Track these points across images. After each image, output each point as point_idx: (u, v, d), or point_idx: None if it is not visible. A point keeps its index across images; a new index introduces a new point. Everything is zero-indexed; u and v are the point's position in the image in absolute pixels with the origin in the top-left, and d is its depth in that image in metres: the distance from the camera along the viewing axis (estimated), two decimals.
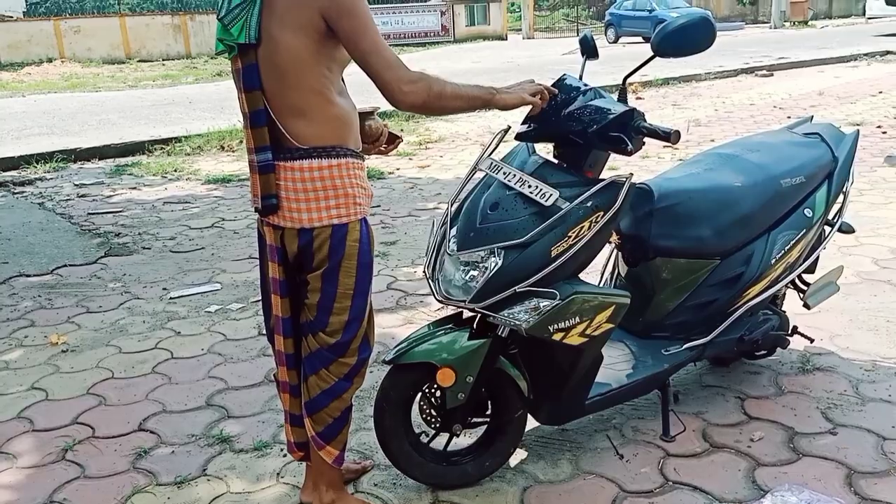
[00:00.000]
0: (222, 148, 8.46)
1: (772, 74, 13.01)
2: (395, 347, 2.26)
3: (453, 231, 2.17)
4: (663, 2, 26.51)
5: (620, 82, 2.18)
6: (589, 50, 2.39)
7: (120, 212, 5.99)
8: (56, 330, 3.71)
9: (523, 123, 2.20)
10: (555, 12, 40.46)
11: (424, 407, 2.32)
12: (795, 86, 11.44)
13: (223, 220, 5.66)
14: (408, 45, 29.16)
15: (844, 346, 3.16)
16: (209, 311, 3.91)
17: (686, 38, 2.01)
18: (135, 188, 6.83)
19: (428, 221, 5.32)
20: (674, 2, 27.06)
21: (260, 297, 3.93)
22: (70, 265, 4.71)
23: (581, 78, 2.29)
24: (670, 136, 1.97)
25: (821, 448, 2.49)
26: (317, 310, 2.08)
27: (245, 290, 4.19)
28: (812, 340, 2.98)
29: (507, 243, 2.03)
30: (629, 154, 2.02)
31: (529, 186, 2.07)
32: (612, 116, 2.02)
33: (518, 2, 34.47)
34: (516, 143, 2.30)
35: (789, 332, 2.87)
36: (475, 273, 2.09)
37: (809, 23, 28.70)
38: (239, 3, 1.91)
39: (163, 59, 27.73)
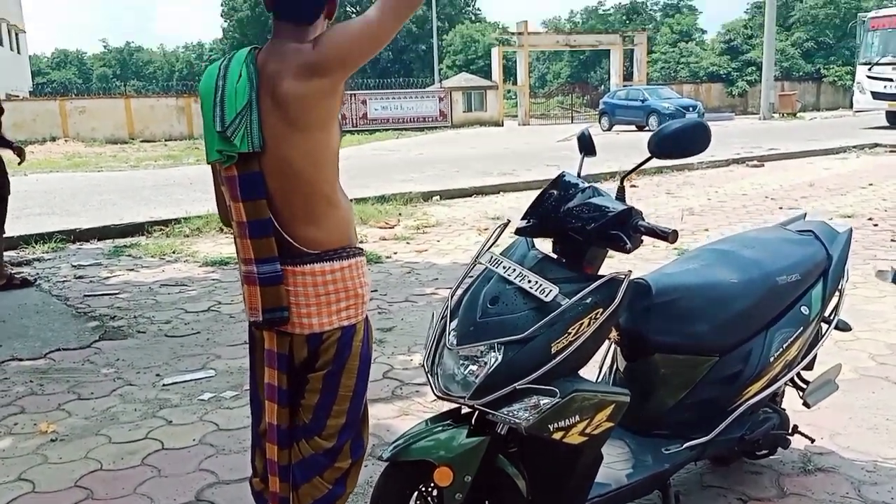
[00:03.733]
0: (221, 230, 8.51)
1: (763, 165, 13.30)
2: (393, 444, 2.22)
3: (453, 324, 2.17)
4: (655, 92, 27.38)
5: (619, 181, 2.23)
6: (587, 147, 2.44)
7: (116, 294, 5.98)
8: (46, 417, 3.65)
9: (523, 219, 2.23)
10: (550, 100, 41.63)
11: None
12: (786, 177, 11.67)
13: (220, 303, 5.65)
14: (407, 129, 29.85)
15: (845, 446, 3.12)
16: (202, 399, 3.85)
17: (682, 142, 2.06)
18: (132, 270, 6.84)
19: (425, 307, 5.32)
20: (665, 92, 27.96)
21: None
22: (63, 349, 4.67)
23: (579, 174, 2.33)
24: (668, 236, 1.99)
25: None
26: (314, 411, 2.03)
27: (240, 376, 4.15)
28: (813, 440, 2.94)
29: (507, 339, 2.02)
30: (628, 252, 2.04)
31: (529, 281, 2.08)
32: (611, 215, 2.05)
33: (514, 89, 35.47)
34: (516, 236, 2.33)
35: (790, 430, 2.84)
36: (475, 368, 2.07)
37: (798, 115, 29.53)
38: (236, 113, 1.87)
39: (165, 140, 28.31)
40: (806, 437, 2.89)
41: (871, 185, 10.47)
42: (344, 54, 1.85)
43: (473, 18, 60.36)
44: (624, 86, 31.71)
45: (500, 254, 2.26)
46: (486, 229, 8.13)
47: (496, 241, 2.31)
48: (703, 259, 2.67)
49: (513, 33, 34.52)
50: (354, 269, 1.99)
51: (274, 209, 1.92)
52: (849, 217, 8.03)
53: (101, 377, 4.19)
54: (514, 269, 2.14)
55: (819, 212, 8.35)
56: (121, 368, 4.33)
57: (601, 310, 2.05)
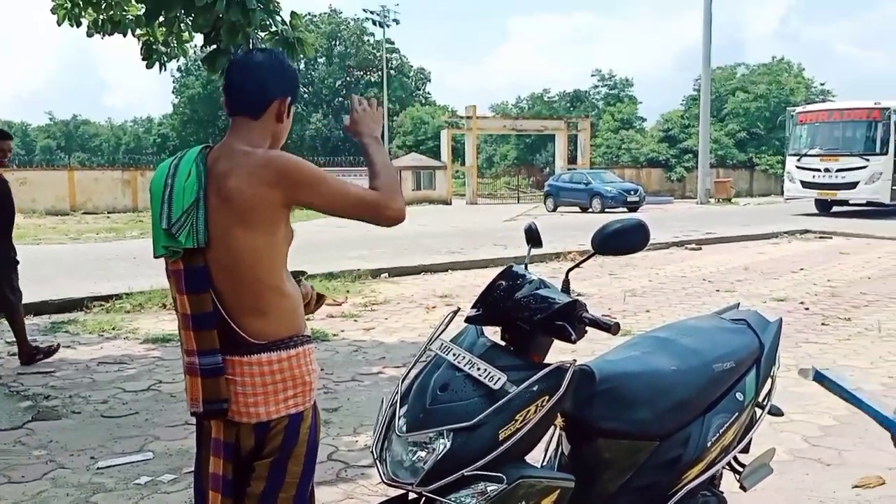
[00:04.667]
0: (164, 306, 8.37)
1: (700, 248, 13.78)
2: None
3: (402, 411, 2.20)
4: (598, 176, 28.30)
5: (564, 275, 2.33)
6: (533, 239, 2.56)
7: (51, 372, 5.80)
8: None
9: (473, 307, 2.31)
10: (497, 180, 42.57)
11: None
12: (723, 260, 12.10)
13: (160, 382, 5.52)
14: None
15: None
16: (138, 483, 3.74)
17: (623, 240, 2.19)
18: (69, 347, 6.64)
19: (372, 386, 5.30)
20: (608, 176, 28.93)
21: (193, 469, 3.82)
22: None
23: (526, 265, 2.44)
24: (611, 328, 2.09)
25: None
26: (259, 499, 2.02)
27: (179, 459, 4.04)
28: None
29: (456, 426, 2.06)
30: (573, 342, 2.12)
31: (478, 369, 2.14)
32: (556, 306, 2.14)
33: (462, 170, 36.25)
34: (465, 324, 2.40)
35: None
36: (423, 454, 2.09)
37: (733, 200, 30.81)
38: (182, 211, 1.92)
39: (108, 212, 27.86)
40: None
41: (802, 269, 10.93)
42: (309, 201, 1.96)
43: (423, 101, 61.93)
44: (568, 169, 32.73)
45: (451, 341, 2.32)
46: (434, 308, 8.19)
47: (446, 328, 2.38)
48: (644, 346, 2.77)
49: (462, 117, 35.57)
50: (302, 357, 2.02)
51: (222, 301, 1.96)
52: (781, 301, 8.35)
53: (32, 459, 4.03)
54: (464, 357, 2.19)
55: (753, 295, 8.68)
56: (53, 450, 4.17)
57: (547, 397, 2.11)
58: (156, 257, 2.02)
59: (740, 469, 2.90)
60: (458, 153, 37.09)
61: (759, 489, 3.21)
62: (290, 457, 2.03)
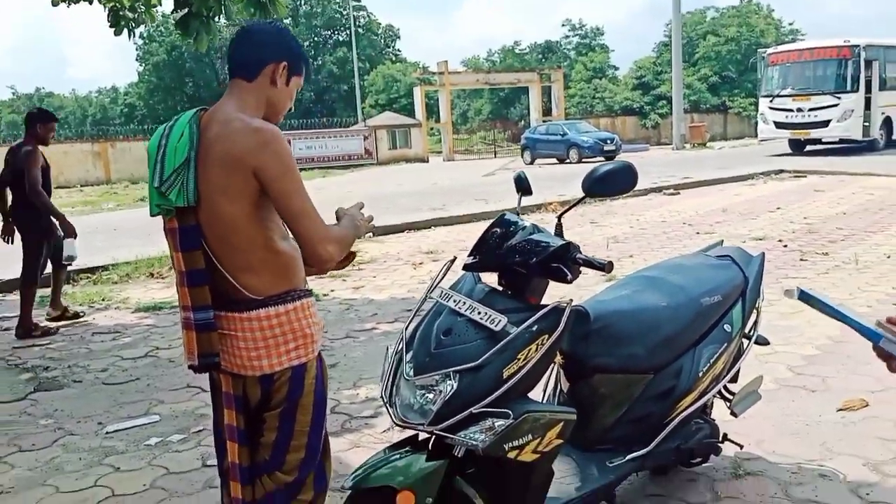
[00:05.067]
0: (151, 275, 8.40)
1: (678, 193, 13.93)
2: (353, 473, 2.31)
3: (408, 357, 2.30)
4: (574, 126, 28.26)
5: (557, 218, 2.42)
6: (523, 188, 2.65)
7: (47, 344, 5.85)
8: None
9: (470, 255, 2.39)
10: (472, 136, 42.34)
11: None
12: (701, 203, 12.27)
13: (157, 349, 5.59)
14: (332, 167, 29.86)
15: (770, 451, 3.37)
16: (149, 445, 3.83)
17: (612, 182, 2.28)
18: None
19: (367, 342, 5.41)
20: (584, 126, 28.91)
21: (202, 428, 3.91)
22: None
23: (517, 212, 2.52)
24: (605, 267, 2.19)
25: None
26: (273, 448, 2.12)
27: (185, 420, 4.14)
28: (742, 446, 3.18)
29: (461, 367, 2.16)
30: (569, 282, 2.23)
31: (479, 313, 2.23)
32: (551, 249, 2.24)
33: (437, 126, 36.06)
34: (462, 272, 2.48)
35: (720, 439, 3.06)
36: (431, 396, 2.20)
37: (707, 144, 30.98)
38: (173, 170, 1.98)
39: (81, 185, 27.46)
40: (735, 443, 3.12)
41: (778, 208, 11.13)
42: (270, 185, 1.96)
43: (394, 59, 61.16)
44: (544, 121, 32.66)
45: (449, 288, 2.41)
46: (420, 264, 8.28)
47: (444, 276, 2.47)
48: (634, 286, 2.88)
49: (434, 73, 35.19)
50: (300, 311, 2.10)
51: (218, 259, 2.04)
52: (760, 240, 8.53)
53: (40, 428, 4.11)
54: (464, 302, 2.29)
55: (733, 235, 8.85)
56: (60, 419, 4.25)
57: (547, 336, 2.22)
58: (152, 216, 2.10)
59: (730, 397, 3.05)
60: (431, 110, 36.84)
61: (748, 416, 3.38)
62: (297, 407, 2.12)
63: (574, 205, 2.35)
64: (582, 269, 2.30)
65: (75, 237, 6.23)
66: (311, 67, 2.31)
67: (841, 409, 3.78)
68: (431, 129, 37.05)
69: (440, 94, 34.87)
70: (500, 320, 2.19)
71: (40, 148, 6.10)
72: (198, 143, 2.00)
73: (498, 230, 2.38)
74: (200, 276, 2.03)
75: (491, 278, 2.43)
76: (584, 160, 25.41)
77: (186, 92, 55.27)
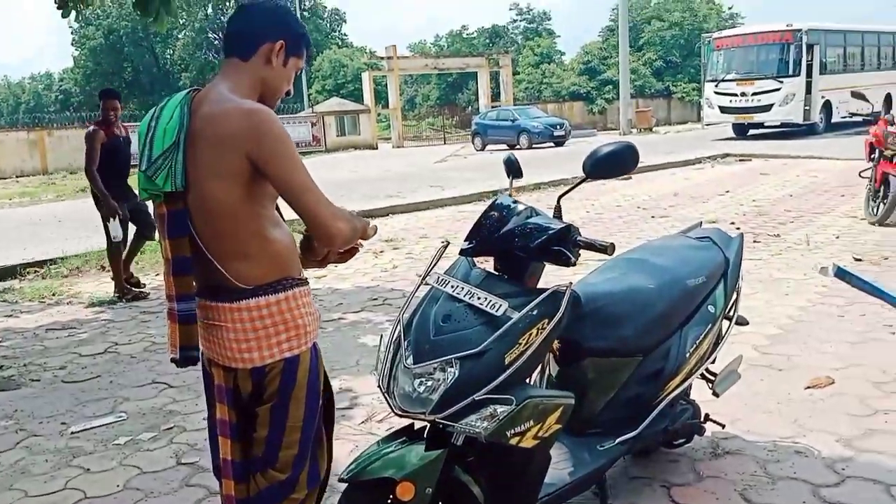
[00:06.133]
0: (103, 268, 8.12)
1: (630, 178, 14.06)
2: (349, 466, 2.27)
3: (406, 344, 2.25)
4: (524, 112, 28.33)
5: (556, 201, 2.41)
6: (514, 170, 2.62)
7: None
8: None
9: (466, 240, 2.36)
10: (421, 122, 42.17)
11: None
12: (653, 188, 12.46)
13: (116, 344, 5.42)
14: None
15: (746, 430, 3.43)
16: (118, 444, 3.71)
17: (615, 163, 2.26)
18: (11, 316, 6.42)
19: (334, 333, 5.33)
20: (534, 112, 29.02)
21: (172, 425, 3.81)
22: None
23: (511, 195, 2.50)
24: (607, 249, 2.18)
25: None
26: (266, 444, 2.04)
27: (154, 417, 4.02)
28: (723, 426, 3.23)
29: (463, 353, 2.13)
30: (572, 265, 2.21)
31: (479, 298, 2.21)
32: (552, 232, 2.22)
33: (386, 113, 35.79)
34: (459, 257, 2.45)
35: (703, 419, 3.10)
36: (432, 384, 2.16)
37: (654, 129, 31.48)
38: (161, 153, 1.90)
39: (17, 176, 26.48)
40: (717, 423, 3.17)
41: (727, 191, 11.37)
42: (266, 166, 1.86)
43: (340, 44, 60.37)
44: (492, 107, 32.69)
45: (444, 273, 2.37)
46: (381, 252, 8.21)
47: (437, 262, 2.44)
48: (621, 268, 2.89)
49: (382, 58, 34.86)
50: (293, 300, 2.01)
51: (206, 245, 1.95)
52: (714, 222, 8.68)
53: (0, 430, 3.94)
54: (462, 287, 2.26)
55: (686, 219, 9.00)
56: (21, 419, 4.08)
57: (547, 320, 2.20)
58: (142, 200, 2.00)
59: (712, 378, 3.09)
60: (380, 96, 36.52)
61: (721, 397, 3.44)
62: (290, 401, 2.04)
63: (574, 187, 2.33)
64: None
65: (115, 218, 6.46)
66: (311, 48, 2.23)
67: (808, 387, 3.88)
68: (379, 115, 36.75)
69: (389, 79, 34.61)
70: (500, 305, 2.17)
71: (122, 124, 6.61)
72: (188, 125, 1.91)
73: (495, 213, 2.35)
74: (185, 265, 1.95)
75: (485, 263, 2.40)
76: (534, 146, 25.54)
77: (125, 77, 53.57)
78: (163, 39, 53.79)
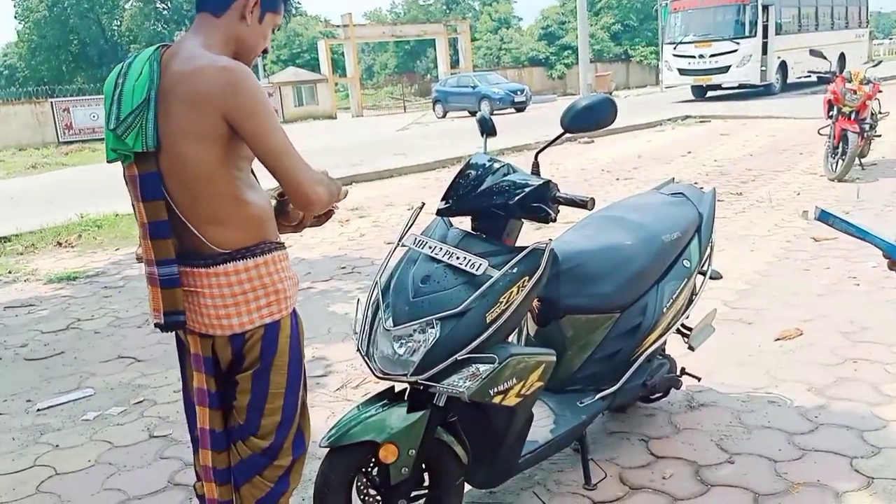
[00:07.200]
0: (59, 244, 7.90)
1: (592, 141, 14.14)
2: (330, 432, 2.24)
3: (385, 307, 2.21)
4: (484, 78, 28.14)
5: (534, 157, 2.36)
6: (488, 129, 2.57)
7: None
8: None
9: (443, 199, 2.31)
10: (379, 91, 41.75)
11: (362, 488, 2.30)
12: (616, 151, 12.50)
13: (79, 320, 5.28)
14: None
15: (720, 382, 3.48)
16: (87, 419, 3.62)
17: (592, 116, 2.22)
18: None
19: (304, 302, 5.26)
20: (494, 78, 28.83)
21: (142, 399, 3.74)
22: None
23: (486, 153, 2.45)
24: (587, 204, 2.15)
25: (725, 477, 2.72)
26: (247, 412, 1.99)
27: (122, 392, 3.93)
28: (699, 379, 3.27)
29: (443, 314, 2.10)
30: (552, 221, 2.18)
31: (458, 258, 2.17)
32: (530, 188, 2.18)
33: (344, 82, 35.28)
34: (435, 217, 2.40)
35: (679, 373, 3.13)
36: (412, 345, 2.13)
37: (613, 93, 31.57)
38: (131, 110, 1.81)
39: None
40: (693, 376, 3.20)
41: (689, 152, 11.46)
42: (243, 126, 1.79)
43: (294, 12, 59.18)
44: (452, 73, 32.42)
45: (421, 234, 2.33)
46: (347, 220, 8.12)
47: (413, 223, 2.39)
48: (596, 226, 2.88)
49: (338, 26, 34.26)
50: (272, 264, 1.95)
51: (181, 209, 1.87)
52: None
53: None
54: (441, 248, 2.22)
55: (651, 180, 9.06)
56: None
57: (528, 277, 2.17)
58: (108, 161, 1.90)
59: (687, 332, 3.11)
60: (337, 65, 35.96)
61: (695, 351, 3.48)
62: (271, 367, 1.99)
63: (552, 142, 2.29)
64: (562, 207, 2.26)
65: None
66: (291, 4, 2.13)
67: (779, 339, 3.94)
68: (337, 84, 36.21)
69: (346, 47, 34.06)
70: (480, 264, 2.13)
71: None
72: (158, 82, 1.81)
73: (472, 172, 2.30)
74: (164, 228, 1.86)
75: (462, 223, 2.36)
76: (495, 112, 25.40)
77: (72, 50, 51.80)
78: (109, 10, 52.11)
